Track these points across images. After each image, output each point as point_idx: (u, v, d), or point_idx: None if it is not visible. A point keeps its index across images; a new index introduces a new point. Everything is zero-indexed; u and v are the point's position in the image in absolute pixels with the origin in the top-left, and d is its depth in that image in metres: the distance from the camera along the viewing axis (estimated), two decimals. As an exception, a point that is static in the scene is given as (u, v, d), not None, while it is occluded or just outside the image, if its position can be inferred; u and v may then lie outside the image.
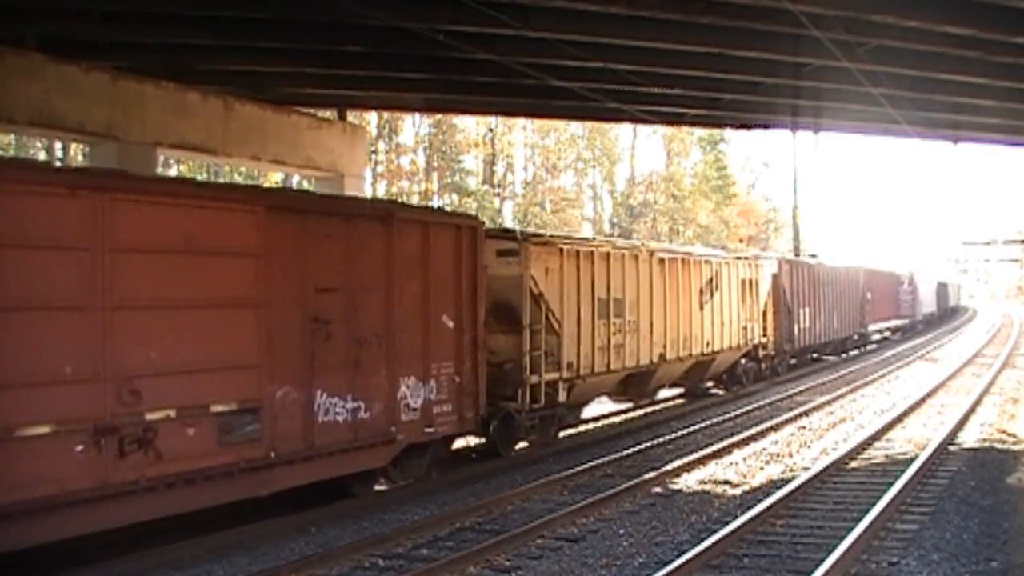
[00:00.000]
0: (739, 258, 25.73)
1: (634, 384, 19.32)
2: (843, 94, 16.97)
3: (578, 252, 16.62)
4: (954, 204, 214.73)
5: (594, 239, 19.16)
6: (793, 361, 31.14)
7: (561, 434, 17.23)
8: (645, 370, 19.14)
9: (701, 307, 21.48)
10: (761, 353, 26.32)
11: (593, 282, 16.89)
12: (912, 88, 16.58)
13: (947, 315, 74.16)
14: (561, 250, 16.11)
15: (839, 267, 37.77)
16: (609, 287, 17.41)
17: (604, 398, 20.41)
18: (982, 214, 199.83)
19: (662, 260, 19.88)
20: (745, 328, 24.48)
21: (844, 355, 37.35)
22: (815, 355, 34.32)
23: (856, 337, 39.70)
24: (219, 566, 9.67)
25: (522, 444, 15.81)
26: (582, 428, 18.98)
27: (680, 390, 23.74)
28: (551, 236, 16.96)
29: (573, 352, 16.27)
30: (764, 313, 26.16)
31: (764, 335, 26.28)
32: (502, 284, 14.80)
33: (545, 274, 15.47)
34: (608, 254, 17.64)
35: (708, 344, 22.08)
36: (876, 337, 45.33)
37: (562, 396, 16.09)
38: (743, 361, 25.20)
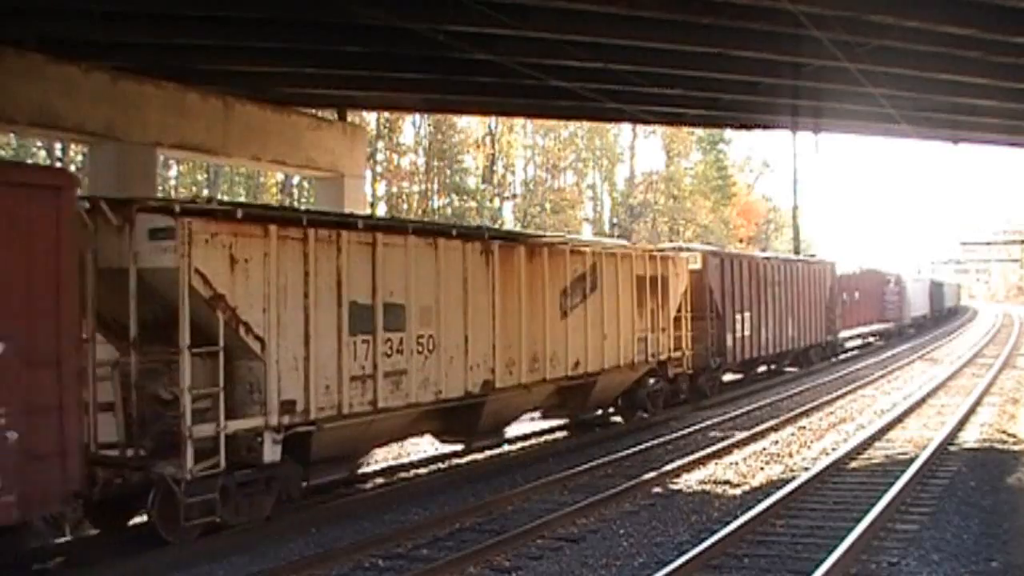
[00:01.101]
0: (635, 249, 20.06)
1: (454, 423, 14.14)
2: (843, 94, 16.97)
3: (306, 236, 11.30)
4: (954, 204, 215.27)
5: (351, 217, 13.26)
6: (738, 376, 27.37)
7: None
8: (462, 404, 13.74)
9: (565, 314, 16.04)
10: (674, 371, 20.67)
11: (341, 280, 11.67)
12: (912, 88, 16.57)
13: (944, 317, 69.60)
14: (267, 231, 10.83)
15: (796, 263, 32.20)
16: (375, 287, 12.13)
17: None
18: (982, 214, 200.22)
19: (486, 250, 14.19)
20: (644, 340, 18.86)
21: (810, 366, 32.04)
22: (772, 366, 29.93)
23: (824, 346, 34.01)
24: (219, 566, 9.68)
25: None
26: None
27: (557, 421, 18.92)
28: (248, 208, 11.15)
29: (295, 385, 11.04)
30: (677, 320, 20.60)
31: (677, 348, 20.57)
32: (159, 281, 10.19)
33: (230, 267, 10.40)
34: (375, 240, 12.23)
35: (579, 363, 16.44)
36: (855, 344, 41.04)
37: (270, 454, 10.81)
38: (651, 381, 19.83)
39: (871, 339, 44.30)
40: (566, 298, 16.18)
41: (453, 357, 13.41)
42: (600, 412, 19.36)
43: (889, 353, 38.20)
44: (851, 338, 40.04)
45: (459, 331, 13.58)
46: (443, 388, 13.25)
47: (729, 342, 24.29)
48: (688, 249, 23.90)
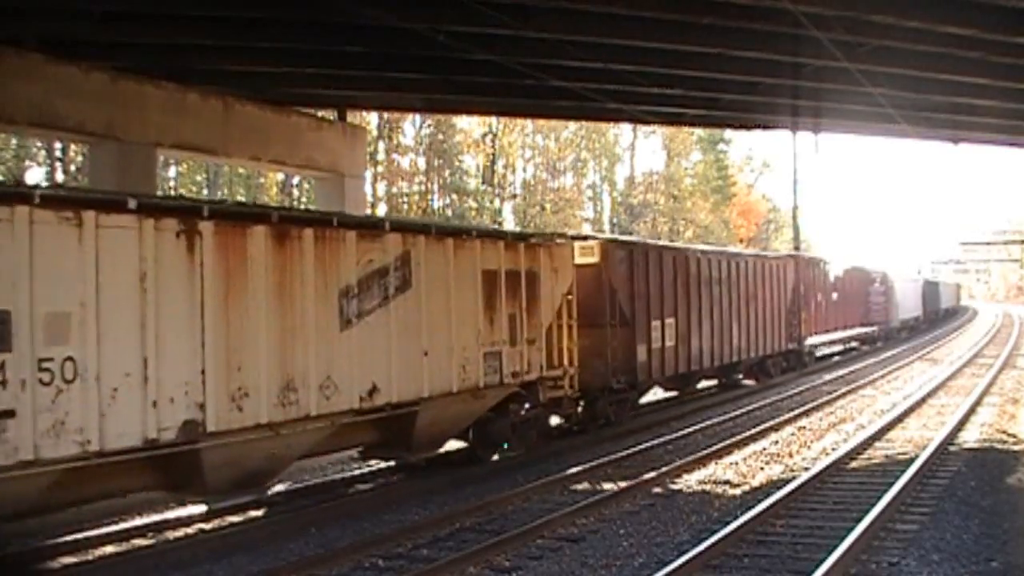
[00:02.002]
0: (488, 235, 14.78)
1: (130, 486, 9.96)
2: (843, 94, 16.97)
3: None
4: (954, 204, 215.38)
5: None
6: (670, 394, 23.55)
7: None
8: (145, 458, 9.43)
9: (349, 322, 11.70)
10: (547, 395, 15.63)
11: None
12: (912, 88, 16.57)
13: (940, 319, 65.73)
14: None
15: (745, 257, 26.40)
16: None
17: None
18: (982, 214, 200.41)
19: (189, 232, 9.88)
20: (498, 356, 14.22)
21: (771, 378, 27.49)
22: (722, 381, 25.69)
23: (785, 355, 28.90)
24: (219, 566, 9.68)
25: None
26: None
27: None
28: None
29: None
30: (552, 329, 15.83)
31: (554, 365, 15.81)
32: None
33: None
34: None
35: (376, 391, 12.03)
36: (828, 351, 36.34)
37: None
38: (522, 407, 15.25)
39: (854, 344, 40.37)
40: (351, 301, 11.74)
41: (118, 388, 9.06)
42: (443, 450, 14.54)
43: (872, 360, 34.39)
44: (825, 344, 35.51)
45: (132, 350, 9.24)
46: (95, 437, 8.83)
47: (642, 355, 19.14)
48: (584, 238, 18.99)
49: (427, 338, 12.90)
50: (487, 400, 14.35)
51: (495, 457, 15.25)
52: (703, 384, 25.12)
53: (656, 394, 23.40)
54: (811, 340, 32.15)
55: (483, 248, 14.07)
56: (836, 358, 36.70)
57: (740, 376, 26.64)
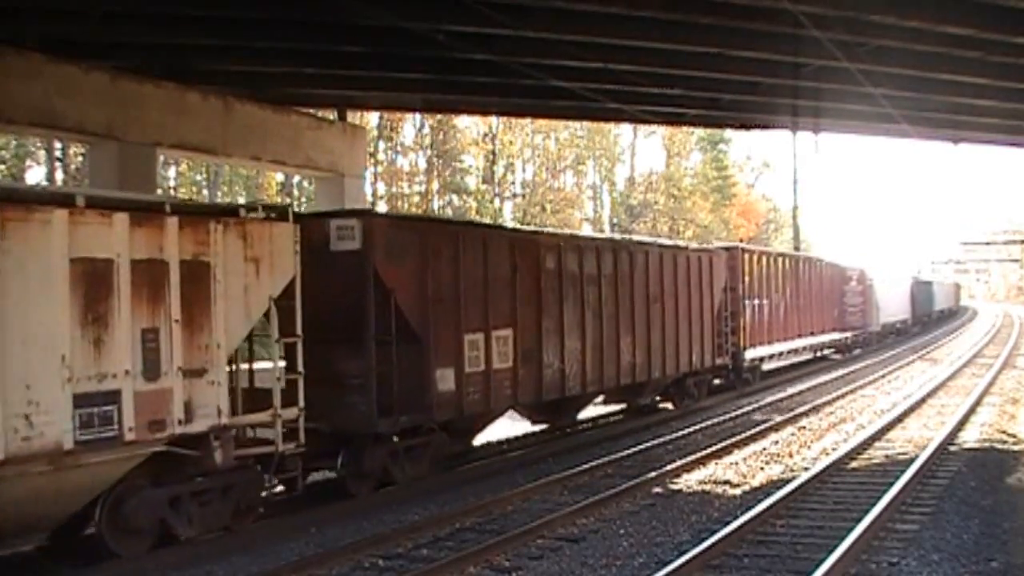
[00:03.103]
0: (99, 204, 9.15)
1: None
2: (843, 94, 16.97)
3: None
4: (954, 204, 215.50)
5: None
6: (537, 428, 17.90)
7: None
8: None
9: None
10: (232, 454, 10.37)
11: None
12: (912, 88, 16.58)
13: (934, 322, 60.84)
14: None
15: (645, 247, 19.95)
16: None
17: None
18: (982, 214, 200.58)
19: None
20: (111, 397, 9.02)
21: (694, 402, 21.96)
22: (632, 406, 20.43)
23: (712, 372, 22.89)
24: (219, 566, 9.67)
25: None
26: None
27: None
28: None
29: None
30: (250, 349, 11.81)
31: (255, 407, 10.83)
32: None
33: None
34: None
35: None
36: (784, 364, 29.40)
37: None
38: (188, 479, 10.04)
39: (827, 353, 35.34)
40: None
41: None
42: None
43: (826, 377, 27.99)
44: (780, 356, 28.83)
45: None
46: None
47: (445, 383, 13.30)
48: (347, 214, 13.44)
49: None
50: (90, 474, 9.03)
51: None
52: (608, 408, 20.68)
53: (516, 426, 17.93)
54: (756, 352, 26.08)
55: (76, 224, 8.83)
56: (805, 371, 30.71)
57: (652, 399, 21.00)
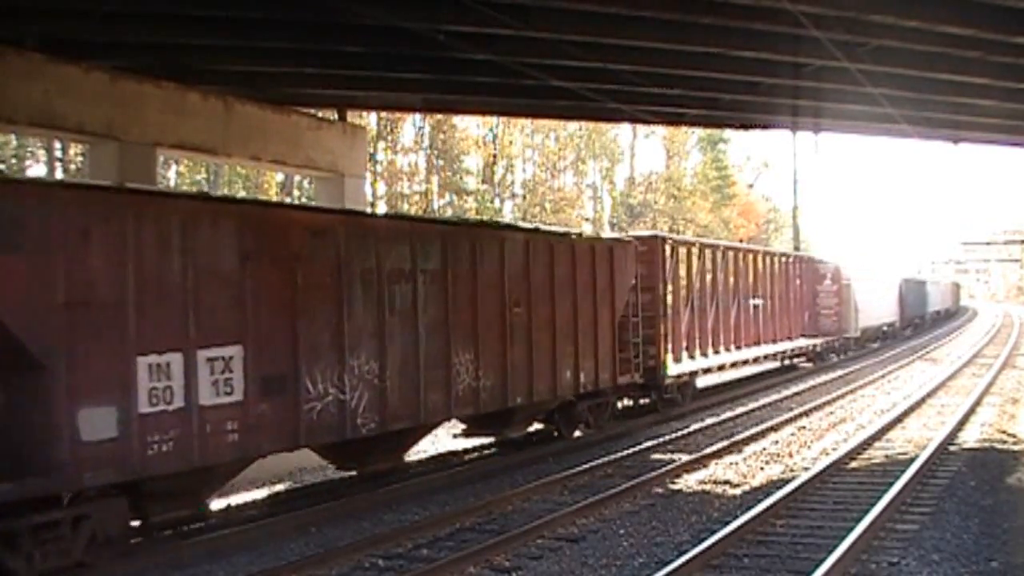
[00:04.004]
0: None
1: None
2: (843, 94, 16.96)
3: None
4: (954, 204, 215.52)
5: None
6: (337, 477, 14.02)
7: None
8: None
9: None
10: None
11: None
12: (912, 88, 16.56)
13: (928, 324, 57.61)
14: None
15: (502, 231, 15.89)
16: None
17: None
18: (982, 214, 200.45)
19: None
20: None
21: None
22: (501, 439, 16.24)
23: (620, 393, 18.85)
24: (219, 566, 9.68)
25: None
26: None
27: None
28: None
29: None
30: None
31: None
32: None
33: None
34: None
35: None
36: (727, 378, 25.84)
37: None
38: None
39: (797, 360, 31.39)
40: None
41: None
42: None
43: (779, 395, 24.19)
44: (730, 366, 24.92)
45: None
46: None
47: (94, 430, 8.73)
48: None
49: None
50: None
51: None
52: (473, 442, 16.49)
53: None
54: (686, 365, 21.94)
55: None
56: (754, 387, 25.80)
57: (523, 431, 16.79)
